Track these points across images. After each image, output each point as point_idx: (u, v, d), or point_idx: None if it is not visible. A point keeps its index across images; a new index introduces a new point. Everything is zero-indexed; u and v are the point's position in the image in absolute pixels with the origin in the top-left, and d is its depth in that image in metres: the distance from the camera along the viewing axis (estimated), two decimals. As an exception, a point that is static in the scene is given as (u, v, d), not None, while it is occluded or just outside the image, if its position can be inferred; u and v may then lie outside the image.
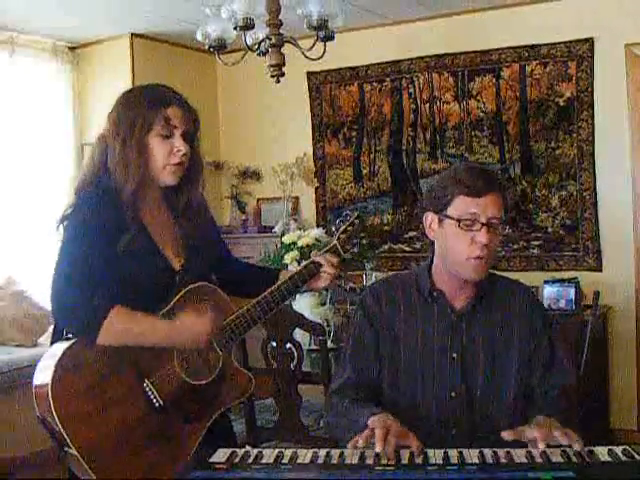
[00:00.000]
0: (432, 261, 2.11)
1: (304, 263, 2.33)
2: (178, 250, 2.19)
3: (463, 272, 2.00)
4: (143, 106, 2.10)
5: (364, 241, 2.38)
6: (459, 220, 1.95)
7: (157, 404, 2.03)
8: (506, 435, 1.71)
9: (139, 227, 2.10)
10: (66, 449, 1.94)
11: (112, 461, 1.95)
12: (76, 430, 1.91)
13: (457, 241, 1.97)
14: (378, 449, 1.64)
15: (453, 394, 2.02)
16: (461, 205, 1.96)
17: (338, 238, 2.33)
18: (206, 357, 2.12)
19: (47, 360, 1.99)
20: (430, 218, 2.05)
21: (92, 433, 1.93)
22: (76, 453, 1.90)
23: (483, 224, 1.93)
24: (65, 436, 1.90)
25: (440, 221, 2.01)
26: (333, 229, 2.37)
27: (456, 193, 1.96)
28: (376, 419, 1.78)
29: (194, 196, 2.27)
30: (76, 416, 1.92)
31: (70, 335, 2.02)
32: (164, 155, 2.11)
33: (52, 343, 2.08)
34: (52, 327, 2.14)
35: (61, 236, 2.08)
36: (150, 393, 2.03)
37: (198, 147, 2.26)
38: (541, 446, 1.63)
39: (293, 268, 3.63)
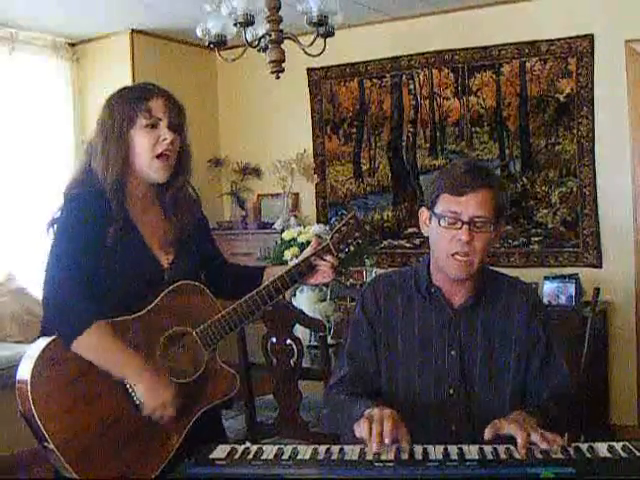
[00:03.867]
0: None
1: (296, 262, 2.29)
2: (167, 247, 2.19)
3: (446, 269, 2.00)
4: (125, 102, 2.10)
5: (360, 241, 2.33)
6: (440, 218, 1.96)
7: (138, 402, 2.02)
8: (486, 434, 1.70)
9: (127, 223, 2.09)
10: (45, 444, 1.94)
11: (91, 458, 1.95)
12: (54, 426, 1.92)
13: (440, 238, 1.98)
14: (373, 449, 1.64)
15: (452, 391, 2.02)
16: (444, 203, 1.96)
17: (332, 237, 2.29)
18: (190, 356, 2.12)
19: (28, 356, 2.00)
20: (425, 214, 2.06)
21: (71, 429, 1.93)
22: (55, 449, 1.91)
23: (464, 222, 1.93)
24: (44, 431, 1.90)
25: (430, 217, 2.02)
26: (328, 228, 2.34)
27: (441, 191, 1.97)
28: (372, 410, 1.77)
29: (181, 190, 2.23)
30: (55, 412, 1.93)
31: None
32: (150, 146, 2.09)
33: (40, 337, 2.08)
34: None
35: (51, 239, 2.08)
36: (131, 391, 2.02)
37: (186, 140, 2.22)
38: (522, 452, 1.63)
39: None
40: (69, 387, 1.96)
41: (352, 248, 2.30)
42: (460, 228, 1.93)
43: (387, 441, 1.64)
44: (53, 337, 1.99)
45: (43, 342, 1.99)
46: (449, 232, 1.95)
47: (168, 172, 2.14)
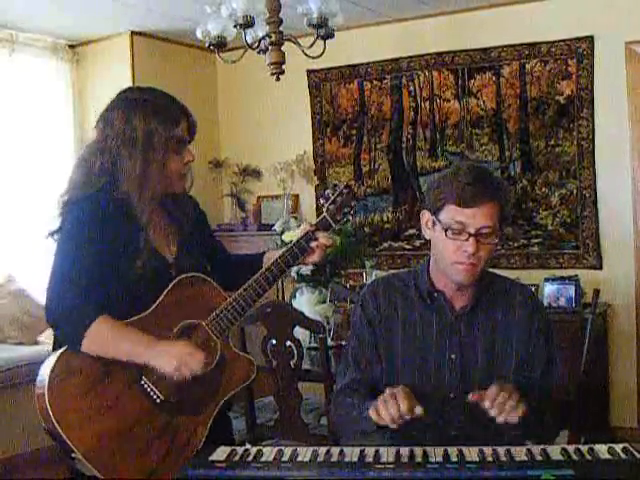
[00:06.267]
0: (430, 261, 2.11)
1: (295, 239, 2.31)
2: (170, 243, 2.21)
3: (451, 274, 2.00)
4: (159, 130, 2.11)
5: (355, 209, 2.36)
6: (446, 229, 1.95)
7: (158, 399, 2.03)
8: (470, 397, 1.80)
9: (133, 224, 2.11)
10: (73, 455, 1.94)
11: (120, 461, 1.96)
12: (78, 435, 1.92)
13: (445, 245, 1.97)
14: (392, 411, 1.72)
15: (452, 395, 2.02)
16: (450, 214, 1.94)
17: (327, 210, 2.32)
18: (203, 347, 2.11)
19: (43, 370, 2.00)
20: (426, 217, 2.04)
21: (95, 437, 1.94)
22: (82, 458, 1.91)
23: (471, 234, 1.92)
24: (69, 442, 1.91)
25: (434, 222, 2.01)
26: (322, 201, 2.36)
27: (447, 200, 1.95)
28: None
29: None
30: (76, 421, 1.93)
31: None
32: (179, 168, 2.16)
33: (54, 349, 2.08)
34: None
35: (56, 243, 2.09)
36: (149, 389, 2.03)
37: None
38: (487, 404, 1.74)
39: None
40: (87, 396, 1.96)
41: (349, 217, 2.34)
42: (467, 239, 1.92)
43: (402, 407, 1.73)
44: (61, 350, 1.99)
45: (53, 358, 2.00)
46: (455, 242, 1.94)
47: (188, 185, 2.24)
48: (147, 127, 2.10)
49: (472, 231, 1.92)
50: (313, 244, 2.28)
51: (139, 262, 2.09)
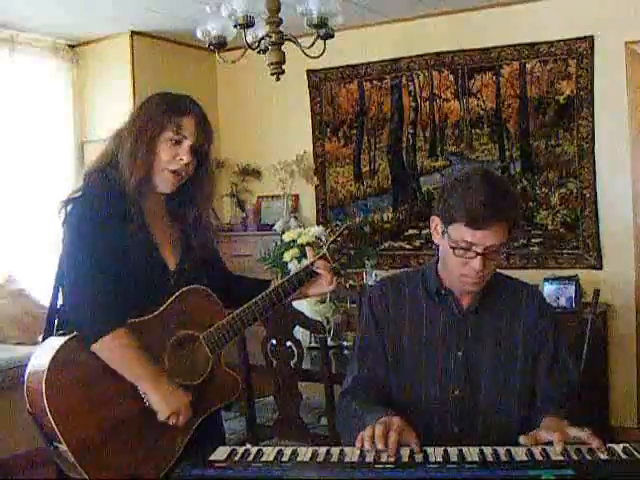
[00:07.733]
0: (439, 260, 2.10)
1: (298, 269, 2.32)
2: (175, 251, 2.22)
3: (457, 285, 2.01)
4: (160, 109, 2.14)
5: (352, 252, 2.39)
6: (453, 248, 1.92)
7: (147, 404, 2.05)
8: (523, 440, 1.70)
9: (141, 224, 2.12)
10: (55, 444, 1.95)
11: (101, 458, 1.96)
12: (68, 425, 1.92)
13: (452, 260, 1.96)
14: (379, 447, 1.64)
15: (457, 392, 2.01)
16: (459, 232, 1.91)
17: (328, 249, 2.34)
18: (196, 359, 2.14)
19: (41, 354, 2.00)
20: (436, 222, 2.01)
21: (83, 429, 1.94)
22: (66, 449, 1.92)
23: (478, 253, 1.90)
24: (57, 431, 1.91)
25: (442, 232, 1.98)
26: (323, 239, 2.38)
27: (456, 218, 1.91)
28: (382, 419, 1.77)
29: (204, 212, 2.27)
30: (68, 411, 1.93)
31: (62, 332, 2.05)
32: (167, 160, 2.13)
33: (44, 338, 2.09)
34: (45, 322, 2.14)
35: (62, 219, 2.10)
36: (143, 393, 2.04)
37: (211, 164, 2.26)
38: (558, 448, 1.63)
39: (293, 266, 3.64)
40: (83, 388, 1.97)
41: (344, 259, 2.36)
42: (474, 257, 1.91)
43: (379, 446, 1.64)
44: (68, 337, 2.00)
45: (57, 341, 2.00)
46: (462, 259, 1.93)
47: (172, 187, 2.17)
48: (148, 108, 2.15)
49: (480, 250, 1.90)
50: (318, 269, 2.29)
51: (142, 263, 2.11)
